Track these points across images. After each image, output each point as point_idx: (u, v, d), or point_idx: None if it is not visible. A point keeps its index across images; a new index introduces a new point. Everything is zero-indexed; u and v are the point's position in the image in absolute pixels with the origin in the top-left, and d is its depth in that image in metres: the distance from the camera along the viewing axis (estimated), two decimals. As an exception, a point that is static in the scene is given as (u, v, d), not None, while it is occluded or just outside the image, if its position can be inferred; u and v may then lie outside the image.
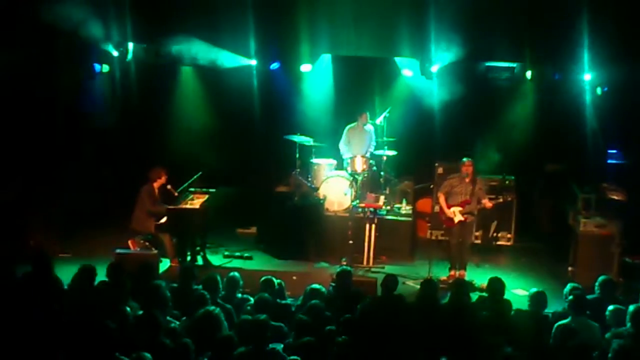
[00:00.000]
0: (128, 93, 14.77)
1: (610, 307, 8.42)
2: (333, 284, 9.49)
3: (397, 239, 13.71)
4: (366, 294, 9.34)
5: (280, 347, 7.27)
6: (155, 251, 12.09)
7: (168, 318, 7.92)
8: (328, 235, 13.50)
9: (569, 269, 12.60)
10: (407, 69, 14.76)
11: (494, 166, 13.97)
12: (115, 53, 14.17)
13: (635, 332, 7.83)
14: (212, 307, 7.64)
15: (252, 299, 8.79)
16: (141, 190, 12.52)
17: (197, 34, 13.65)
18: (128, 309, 7.85)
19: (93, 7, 12.95)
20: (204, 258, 12.84)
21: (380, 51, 14.13)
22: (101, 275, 9.14)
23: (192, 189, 13.03)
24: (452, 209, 12.21)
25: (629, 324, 7.97)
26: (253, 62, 14.34)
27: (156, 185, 12.55)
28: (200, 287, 8.93)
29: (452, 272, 12.36)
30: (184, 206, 12.55)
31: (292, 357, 6.97)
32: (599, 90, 14.10)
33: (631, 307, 8.12)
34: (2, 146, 12.88)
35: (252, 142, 15.21)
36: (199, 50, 13.92)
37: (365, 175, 13.99)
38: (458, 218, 12.19)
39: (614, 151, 13.91)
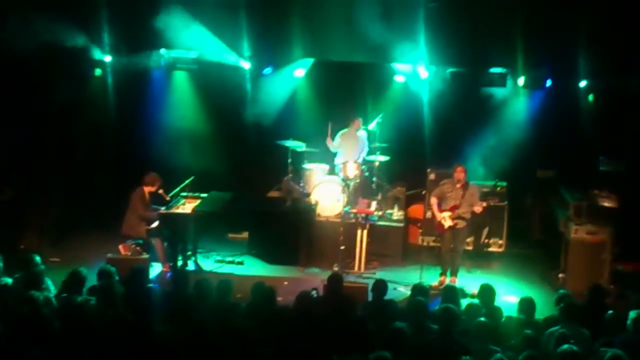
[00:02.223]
0: (121, 97, 14.74)
1: (610, 312, 8.43)
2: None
3: (388, 245, 13.73)
4: (357, 300, 9.34)
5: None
6: (147, 256, 12.07)
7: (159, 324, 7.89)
8: (320, 240, 13.50)
9: (560, 275, 12.62)
10: (399, 74, 14.77)
11: (485, 172, 14.01)
12: (107, 58, 14.15)
13: (636, 338, 7.82)
14: (200, 313, 7.62)
15: (242, 304, 8.77)
16: (132, 194, 12.50)
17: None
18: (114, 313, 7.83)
19: (85, 13, 12.96)
20: (196, 263, 12.83)
21: (373, 57, 14.14)
22: (92, 280, 9.15)
23: (183, 194, 13.02)
24: (442, 214, 12.22)
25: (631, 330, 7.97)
26: (247, 65, 14.32)
27: (147, 189, 12.52)
28: (192, 292, 8.91)
29: (443, 278, 12.37)
30: (175, 211, 12.53)
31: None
32: (590, 97, 14.14)
33: (633, 314, 8.11)
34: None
35: (244, 147, 15.19)
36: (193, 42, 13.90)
37: (357, 180, 13.99)
38: (448, 223, 12.20)
39: (606, 158, 13.93)
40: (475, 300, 9.17)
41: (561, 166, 14.80)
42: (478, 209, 12.17)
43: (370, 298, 9.61)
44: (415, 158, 14.89)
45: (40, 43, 12.79)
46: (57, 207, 13.78)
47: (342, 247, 12.90)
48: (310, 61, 14.85)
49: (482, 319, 8.00)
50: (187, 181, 13.06)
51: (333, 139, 14.36)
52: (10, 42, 12.36)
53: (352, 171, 13.85)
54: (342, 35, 13.54)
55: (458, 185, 12.22)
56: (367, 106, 15.05)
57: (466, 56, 13.44)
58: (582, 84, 13.92)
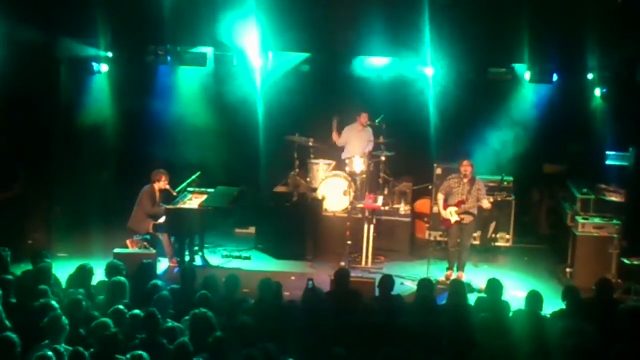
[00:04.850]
0: (127, 93, 14.74)
1: (620, 306, 8.43)
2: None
3: (395, 240, 13.75)
4: (364, 295, 9.34)
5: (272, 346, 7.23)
6: (154, 251, 12.09)
7: (168, 320, 7.91)
8: (327, 235, 13.53)
9: (568, 270, 12.60)
10: (406, 69, 14.71)
11: (492, 167, 14.00)
12: (109, 54, 14.17)
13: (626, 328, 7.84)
14: (205, 310, 7.63)
15: (249, 299, 8.79)
16: (142, 191, 12.52)
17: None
18: (122, 307, 7.86)
19: (88, 8, 12.97)
20: (203, 258, 12.85)
21: (379, 52, 14.11)
22: (99, 276, 9.19)
23: (190, 189, 13.04)
24: (449, 209, 12.20)
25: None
26: (255, 60, 14.27)
27: (157, 187, 12.54)
28: (200, 287, 8.93)
29: (449, 273, 12.37)
30: (182, 206, 12.55)
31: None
32: (598, 91, 14.09)
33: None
34: (3, 146, 12.89)
35: (251, 143, 15.18)
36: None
37: (364, 176, 14.00)
38: (454, 218, 12.18)
39: (613, 153, 13.90)
40: (483, 295, 9.18)
41: (568, 161, 14.78)
42: (486, 204, 12.14)
43: (377, 293, 9.63)
44: (422, 153, 14.87)
45: (42, 40, 12.83)
46: (64, 203, 13.81)
47: (349, 242, 12.91)
48: (316, 56, 14.80)
49: (488, 314, 8.01)
50: (194, 177, 13.09)
51: (340, 134, 14.37)
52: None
53: (359, 166, 13.87)
54: (349, 30, 13.50)
55: (465, 180, 12.20)
56: (373, 101, 15.02)
57: (473, 51, 13.38)
58: (590, 77, 13.87)
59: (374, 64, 14.66)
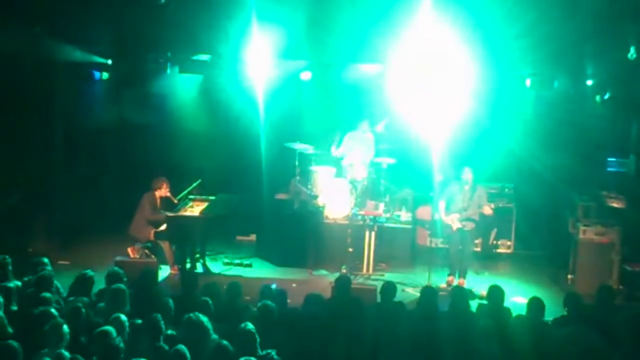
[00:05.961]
0: (127, 100, 14.77)
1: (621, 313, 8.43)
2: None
3: (397, 247, 13.73)
4: (365, 302, 9.33)
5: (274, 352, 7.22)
6: (155, 258, 12.09)
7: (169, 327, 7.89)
8: (327, 242, 13.50)
9: (569, 276, 12.61)
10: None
11: (493, 174, 14.00)
12: (109, 61, 14.18)
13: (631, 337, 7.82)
14: (198, 314, 7.63)
15: (251, 306, 8.78)
16: (143, 197, 12.52)
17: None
18: (123, 315, 7.85)
19: (91, 15, 12.99)
20: (204, 265, 12.84)
21: (378, 59, 14.12)
22: (100, 283, 9.18)
23: (191, 196, 13.04)
24: (450, 216, 12.20)
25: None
26: (254, 67, 14.28)
27: (158, 194, 12.54)
28: (201, 294, 8.92)
29: (451, 278, 12.36)
30: (183, 213, 12.54)
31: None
32: (598, 98, 14.10)
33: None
34: (3, 153, 12.90)
35: (252, 150, 15.19)
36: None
37: (365, 182, 14.00)
38: (456, 225, 12.18)
39: (614, 159, 13.91)
40: (484, 302, 9.17)
41: (569, 167, 14.77)
42: (487, 211, 12.13)
43: (378, 300, 9.61)
44: (423, 160, 14.86)
45: (42, 46, 12.86)
46: (64, 210, 13.81)
47: (350, 249, 12.90)
48: (317, 63, 14.81)
49: (489, 320, 8.00)
50: (195, 184, 13.08)
51: (337, 147, 14.38)
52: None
53: (360, 173, 13.86)
54: (348, 38, 13.50)
55: (466, 187, 12.21)
56: (374, 108, 15.03)
57: (473, 57, 13.37)
58: (590, 83, 13.88)
59: (374, 71, 14.69)
